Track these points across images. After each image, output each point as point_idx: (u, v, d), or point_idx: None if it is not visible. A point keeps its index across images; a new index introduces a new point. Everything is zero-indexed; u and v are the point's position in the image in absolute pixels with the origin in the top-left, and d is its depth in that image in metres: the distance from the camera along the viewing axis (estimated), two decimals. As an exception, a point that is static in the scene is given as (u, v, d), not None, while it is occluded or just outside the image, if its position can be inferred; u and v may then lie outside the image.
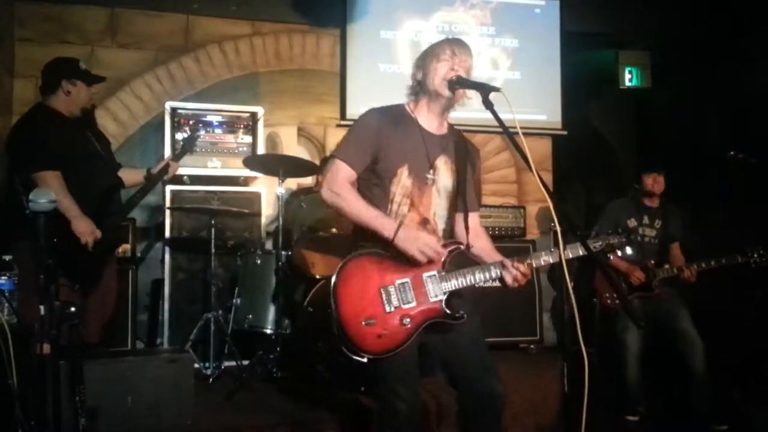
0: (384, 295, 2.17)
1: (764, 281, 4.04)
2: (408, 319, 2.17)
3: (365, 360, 2.12)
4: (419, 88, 2.37)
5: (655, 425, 3.83)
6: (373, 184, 2.31)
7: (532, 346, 5.00)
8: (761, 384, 3.92)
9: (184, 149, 3.68)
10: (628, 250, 2.34)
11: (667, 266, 3.89)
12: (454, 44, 2.35)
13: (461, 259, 2.33)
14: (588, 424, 1.98)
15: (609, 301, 3.97)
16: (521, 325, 5.02)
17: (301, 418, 3.30)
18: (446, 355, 2.31)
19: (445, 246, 2.27)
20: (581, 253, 2.19)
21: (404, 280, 2.20)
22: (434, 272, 2.23)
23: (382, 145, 2.27)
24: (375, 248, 2.23)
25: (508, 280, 2.27)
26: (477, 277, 2.26)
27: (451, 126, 2.47)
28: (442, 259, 2.25)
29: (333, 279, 2.17)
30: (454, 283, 2.24)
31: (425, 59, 2.36)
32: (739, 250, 3.77)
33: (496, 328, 4.73)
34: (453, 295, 2.24)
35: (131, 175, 3.53)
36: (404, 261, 2.21)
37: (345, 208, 2.23)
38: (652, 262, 3.90)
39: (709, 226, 4.73)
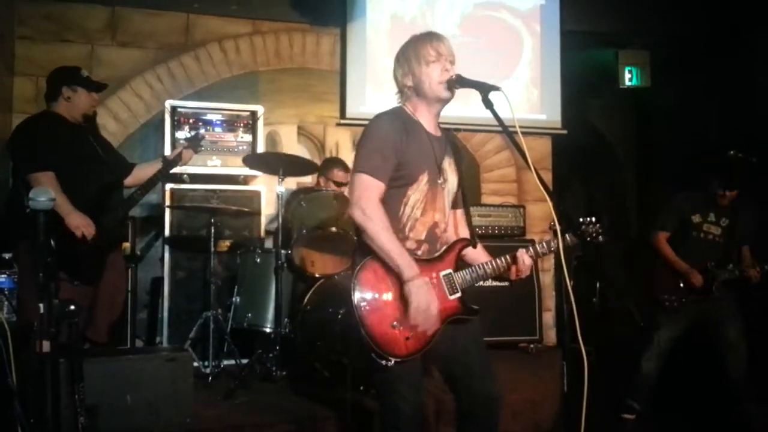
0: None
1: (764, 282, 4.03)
2: None
3: (392, 363, 2.11)
4: (413, 92, 2.33)
5: (651, 424, 3.83)
6: (389, 187, 2.24)
7: (531, 346, 5.00)
8: (761, 384, 3.92)
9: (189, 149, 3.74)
10: (600, 239, 2.25)
11: (730, 267, 3.68)
12: (433, 41, 2.29)
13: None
14: (587, 423, 1.98)
15: (667, 303, 3.74)
16: (521, 324, 5.01)
17: (300, 417, 3.30)
18: (447, 353, 2.31)
19: (456, 243, 2.31)
20: (571, 241, 2.21)
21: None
22: (449, 270, 2.25)
23: (402, 152, 2.22)
24: None
25: (512, 274, 2.32)
26: (487, 270, 2.29)
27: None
28: (454, 257, 2.28)
29: (353, 284, 2.14)
30: (468, 279, 2.27)
31: (410, 63, 2.30)
32: None
33: (495, 328, 4.71)
34: (465, 292, 2.27)
35: (149, 169, 3.60)
36: (419, 261, 2.20)
37: (373, 235, 2.14)
38: (713, 263, 3.69)
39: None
